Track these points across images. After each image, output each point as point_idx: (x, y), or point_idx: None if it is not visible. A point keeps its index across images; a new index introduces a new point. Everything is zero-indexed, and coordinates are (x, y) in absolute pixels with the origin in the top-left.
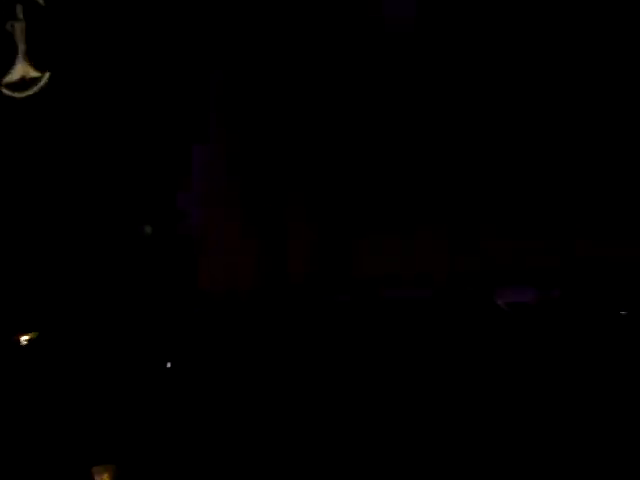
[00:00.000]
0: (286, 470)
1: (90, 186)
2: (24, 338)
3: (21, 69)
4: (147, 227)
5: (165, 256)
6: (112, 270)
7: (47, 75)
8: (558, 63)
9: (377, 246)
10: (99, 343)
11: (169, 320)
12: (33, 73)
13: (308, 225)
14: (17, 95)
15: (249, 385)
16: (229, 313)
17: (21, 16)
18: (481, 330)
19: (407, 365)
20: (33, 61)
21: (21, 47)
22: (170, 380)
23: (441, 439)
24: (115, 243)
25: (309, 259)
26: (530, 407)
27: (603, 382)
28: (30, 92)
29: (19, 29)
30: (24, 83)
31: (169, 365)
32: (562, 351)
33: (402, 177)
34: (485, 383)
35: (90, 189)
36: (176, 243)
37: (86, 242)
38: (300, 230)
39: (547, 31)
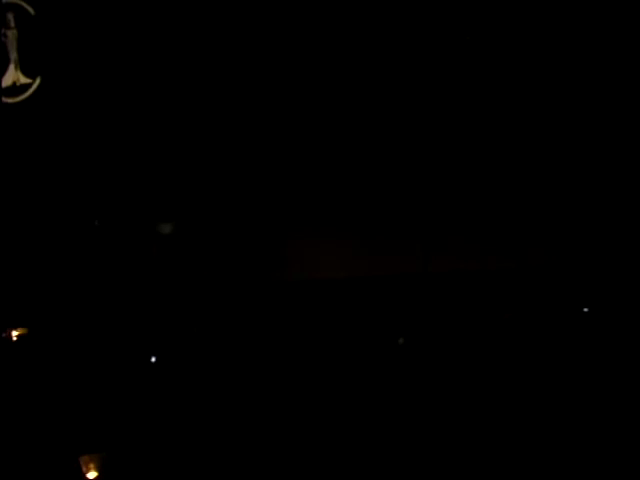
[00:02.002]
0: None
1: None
2: (14, 333)
3: (12, 75)
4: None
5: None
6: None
7: (37, 81)
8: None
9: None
10: (95, 337)
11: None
12: (24, 79)
13: None
14: (9, 101)
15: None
16: None
17: (13, 24)
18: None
19: None
20: (24, 68)
21: (13, 54)
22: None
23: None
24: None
25: None
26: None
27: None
28: (21, 98)
29: (11, 37)
30: (15, 89)
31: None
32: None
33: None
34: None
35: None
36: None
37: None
38: None
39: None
